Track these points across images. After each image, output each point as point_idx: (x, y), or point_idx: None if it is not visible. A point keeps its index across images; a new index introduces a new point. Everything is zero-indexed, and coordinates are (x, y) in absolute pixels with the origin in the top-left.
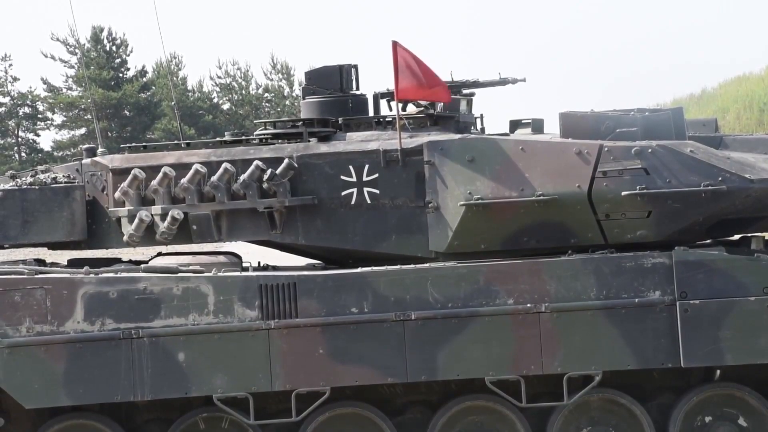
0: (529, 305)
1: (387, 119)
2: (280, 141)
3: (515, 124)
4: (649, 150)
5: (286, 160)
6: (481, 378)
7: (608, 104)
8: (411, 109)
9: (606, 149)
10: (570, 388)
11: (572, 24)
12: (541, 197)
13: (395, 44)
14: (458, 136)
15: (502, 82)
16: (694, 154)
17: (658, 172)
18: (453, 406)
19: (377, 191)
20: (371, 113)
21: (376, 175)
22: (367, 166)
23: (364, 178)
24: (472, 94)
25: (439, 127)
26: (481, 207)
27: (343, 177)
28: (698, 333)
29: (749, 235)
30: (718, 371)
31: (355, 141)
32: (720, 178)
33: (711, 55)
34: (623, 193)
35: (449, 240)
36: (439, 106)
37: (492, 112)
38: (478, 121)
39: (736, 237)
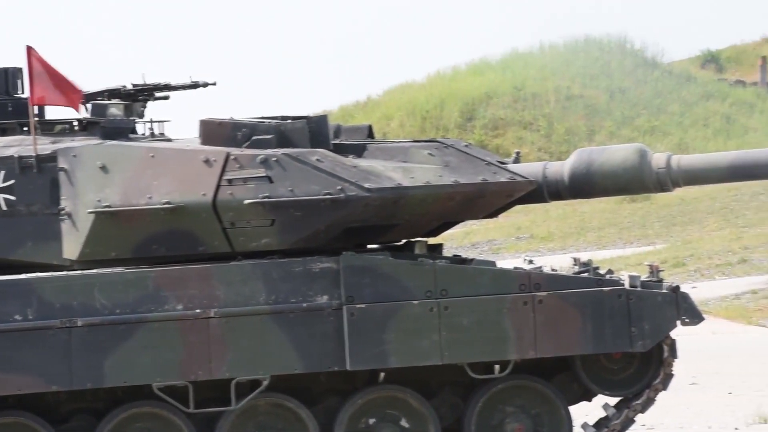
0: (198, 311)
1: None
2: None
3: None
4: (274, 158)
5: None
6: (150, 384)
7: (284, 110)
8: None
9: (232, 157)
10: (239, 392)
11: (253, 27)
12: (167, 205)
13: (29, 50)
14: (95, 142)
15: (194, 85)
16: (319, 162)
17: (282, 181)
18: (119, 413)
19: (13, 198)
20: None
21: (12, 181)
22: (3, 172)
23: (0, 185)
24: (167, 97)
25: (87, 132)
26: (109, 215)
27: None
28: (364, 336)
29: (413, 240)
30: (383, 374)
31: None
32: (339, 187)
33: (376, 62)
34: (246, 202)
35: (81, 248)
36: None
37: (191, 116)
38: (160, 126)
39: (402, 242)
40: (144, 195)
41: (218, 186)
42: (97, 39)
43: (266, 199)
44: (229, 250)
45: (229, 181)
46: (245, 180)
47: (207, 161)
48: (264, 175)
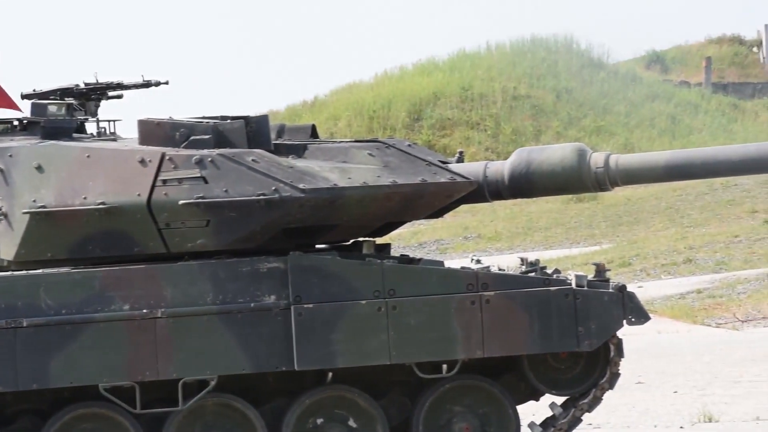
0: (145, 311)
1: None
2: None
3: None
4: (209, 159)
5: None
6: (96, 385)
7: (234, 110)
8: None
9: (168, 157)
10: (186, 393)
11: (204, 27)
12: (102, 206)
13: None
14: (33, 142)
15: (146, 84)
16: (255, 163)
17: (216, 181)
18: (65, 414)
19: None
20: None
21: None
22: None
23: None
24: (120, 96)
25: (27, 132)
26: (44, 215)
27: None
28: (312, 336)
29: (361, 240)
30: (331, 374)
31: None
32: (274, 188)
33: (323, 62)
34: (181, 202)
35: (17, 248)
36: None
37: (144, 115)
38: (111, 125)
39: (350, 241)
40: (79, 195)
41: (153, 186)
42: (50, 38)
43: (201, 200)
44: (165, 251)
45: (164, 181)
46: (180, 180)
47: (142, 161)
48: (199, 175)
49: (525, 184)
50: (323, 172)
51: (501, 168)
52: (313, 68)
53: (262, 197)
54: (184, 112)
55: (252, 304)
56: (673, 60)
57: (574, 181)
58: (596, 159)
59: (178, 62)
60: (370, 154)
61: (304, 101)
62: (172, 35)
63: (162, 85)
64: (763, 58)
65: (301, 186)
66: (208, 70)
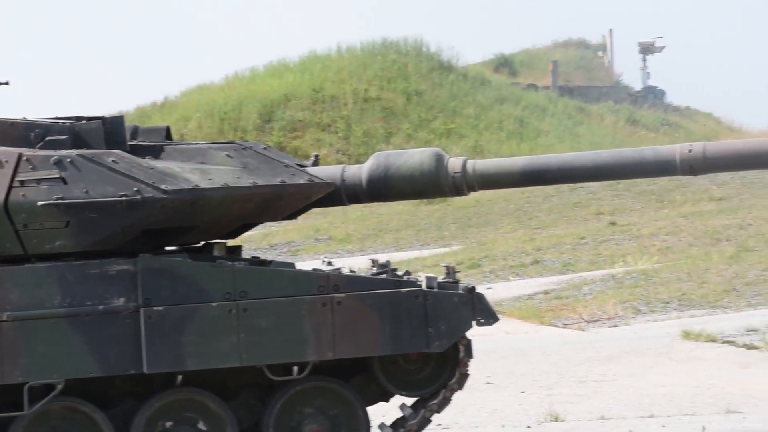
0: None
1: None
2: None
3: None
4: (69, 159)
5: None
6: None
7: (80, 111)
8: None
9: (25, 158)
10: (32, 397)
11: (45, 25)
12: None
13: None
14: None
15: None
16: (115, 164)
17: (76, 182)
18: None
19: None
20: None
21: None
22: None
23: None
24: None
25: None
26: None
27: None
28: (162, 339)
29: (212, 242)
30: (180, 376)
31: None
32: (136, 189)
33: (172, 62)
34: (40, 203)
35: None
36: None
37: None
38: None
39: (201, 243)
40: None
41: (10, 187)
42: None
43: (60, 201)
44: (22, 253)
45: (22, 182)
46: (38, 181)
47: None
48: (58, 176)
49: (383, 188)
50: (184, 173)
51: (359, 172)
52: (163, 68)
53: (123, 198)
54: (25, 114)
55: (100, 307)
56: (520, 63)
57: (432, 185)
58: (454, 164)
59: (19, 62)
60: (228, 156)
61: (153, 102)
62: (12, 33)
63: (2, 86)
64: (608, 62)
65: (163, 187)
66: (51, 69)
